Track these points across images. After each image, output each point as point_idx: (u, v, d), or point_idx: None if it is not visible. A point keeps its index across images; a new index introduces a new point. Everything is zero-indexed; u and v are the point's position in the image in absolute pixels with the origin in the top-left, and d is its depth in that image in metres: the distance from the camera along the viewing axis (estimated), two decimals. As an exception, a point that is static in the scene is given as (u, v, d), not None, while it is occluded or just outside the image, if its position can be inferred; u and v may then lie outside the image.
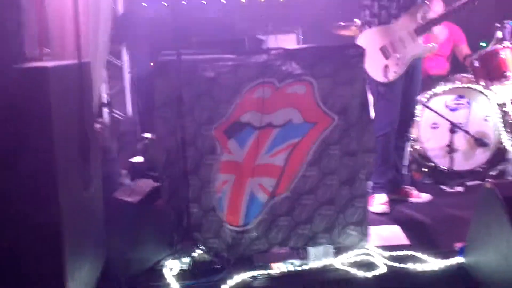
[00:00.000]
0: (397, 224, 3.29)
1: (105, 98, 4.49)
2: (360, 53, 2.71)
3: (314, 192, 2.77)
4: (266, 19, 4.94)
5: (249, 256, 2.78)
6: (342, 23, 4.53)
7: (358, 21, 3.86)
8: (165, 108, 2.69)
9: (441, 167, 4.09)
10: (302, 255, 2.76)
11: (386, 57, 3.46)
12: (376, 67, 3.40)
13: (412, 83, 3.59)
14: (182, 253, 2.70)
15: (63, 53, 2.71)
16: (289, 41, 5.20)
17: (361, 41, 3.46)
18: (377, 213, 3.47)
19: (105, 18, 2.96)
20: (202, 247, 2.76)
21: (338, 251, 2.79)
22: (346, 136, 2.75)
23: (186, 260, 2.68)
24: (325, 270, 2.70)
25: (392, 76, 3.47)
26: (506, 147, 4.13)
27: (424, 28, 3.48)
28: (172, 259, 2.68)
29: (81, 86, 2.33)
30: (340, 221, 2.80)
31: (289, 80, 2.70)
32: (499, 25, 4.26)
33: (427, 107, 4.01)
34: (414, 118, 3.78)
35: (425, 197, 3.78)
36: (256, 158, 2.73)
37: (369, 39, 3.46)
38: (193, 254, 2.72)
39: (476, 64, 4.30)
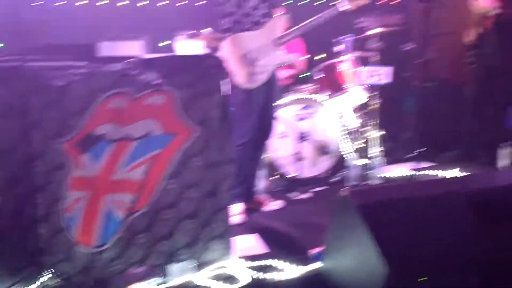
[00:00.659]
0: (255, 233, 3.33)
1: None
2: (217, 63, 2.69)
3: (175, 206, 2.67)
4: (109, 24, 4.70)
5: (106, 278, 2.59)
6: (193, 31, 4.48)
7: (209, 29, 3.84)
8: (7, 119, 2.40)
9: (290, 175, 4.25)
10: (163, 273, 2.66)
11: (248, 65, 3.49)
12: (238, 74, 3.42)
13: (272, 92, 3.67)
14: (28, 280, 2.44)
15: None
16: (134, 48, 5.00)
17: (224, 47, 3.46)
18: (235, 224, 3.48)
19: None
20: (51, 272, 2.51)
21: (200, 265, 2.73)
22: (207, 147, 2.70)
23: (34, 288, 2.42)
24: (186, 286, 2.62)
25: (253, 83, 3.51)
26: (347, 154, 4.43)
27: (286, 38, 3.59)
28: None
29: None
30: (204, 235, 2.73)
31: (147, 90, 2.57)
32: (341, 38, 4.58)
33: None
34: (273, 128, 3.86)
35: (278, 204, 3.89)
36: (112, 173, 2.56)
37: (232, 46, 3.47)
38: (41, 280, 2.46)
39: (319, 75, 4.55)
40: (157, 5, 5.13)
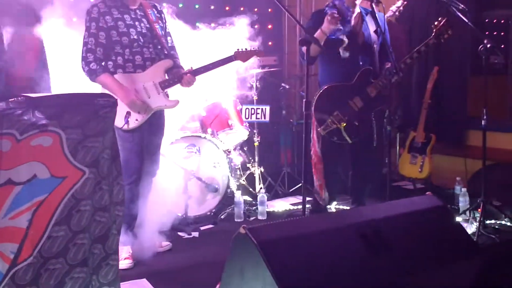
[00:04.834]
0: (144, 277, 3.22)
1: None
2: (112, 103, 2.59)
3: (63, 254, 2.49)
4: None
5: None
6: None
7: None
8: None
9: (177, 213, 4.19)
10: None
11: (126, 105, 3.42)
12: (118, 113, 3.32)
13: (156, 133, 3.62)
14: None
15: None
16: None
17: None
18: (123, 269, 3.33)
19: None
20: None
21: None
22: (98, 190, 2.57)
23: None
24: None
25: (133, 123, 3.44)
26: (233, 191, 4.48)
27: (170, 82, 3.57)
28: None
29: None
30: (94, 283, 2.57)
31: (33, 132, 2.40)
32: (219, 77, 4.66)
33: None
34: (158, 168, 3.78)
35: (166, 245, 3.80)
36: (-7, 222, 2.33)
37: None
38: None
39: (203, 114, 4.59)
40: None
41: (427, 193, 3.02)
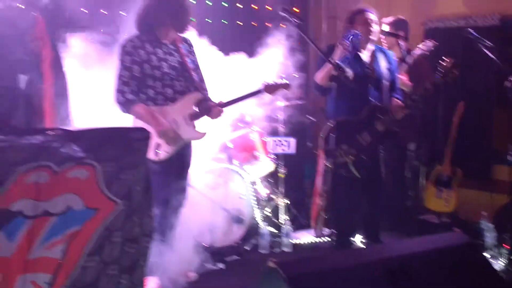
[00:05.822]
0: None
1: None
2: (145, 136, 2.66)
3: (95, 285, 2.54)
4: None
5: None
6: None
7: None
8: None
9: (203, 244, 4.22)
10: None
11: (158, 136, 3.50)
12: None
13: (184, 164, 3.69)
14: None
15: None
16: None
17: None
18: (150, 300, 3.37)
19: None
20: None
21: None
22: (129, 221, 2.63)
23: None
24: None
25: (162, 155, 3.51)
26: (258, 222, 4.50)
27: (199, 114, 3.65)
28: None
29: None
30: (122, 314, 2.61)
31: (69, 164, 2.48)
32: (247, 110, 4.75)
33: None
34: (185, 198, 3.83)
35: (192, 276, 3.82)
36: (29, 252, 2.39)
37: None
38: None
39: (230, 145, 4.66)
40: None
41: (455, 229, 3.01)
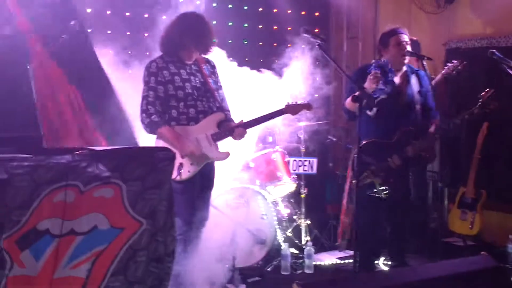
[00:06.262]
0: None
1: None
2: (170, 156, 2.68)
3: (119, 304, 2.54)
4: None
5: None
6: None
7: None
8: None
9: (225, 265, 4.19)
10: None
11: (182, 156, 3.52)
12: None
13: (206, 184, 3.70)
14: None
15: None
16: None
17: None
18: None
19: None
20: None
21: None
22: (153, 241, 2.63)
23: None
24: None
25: (185, 174, 3.53)
26: (280, 243, 4.47)
27: (221, 135, 3.67)
28: None
29: None
30: (147, 333, 2.60)
31: (96, 183, 2.51)
32: (268, 130, 4.76)
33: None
34: (207, 218, 3.83)
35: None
36: (55, 271, 2.41)
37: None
38: None
39: (252, 165, 4.66)
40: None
41: (482, 252, 2.94)
